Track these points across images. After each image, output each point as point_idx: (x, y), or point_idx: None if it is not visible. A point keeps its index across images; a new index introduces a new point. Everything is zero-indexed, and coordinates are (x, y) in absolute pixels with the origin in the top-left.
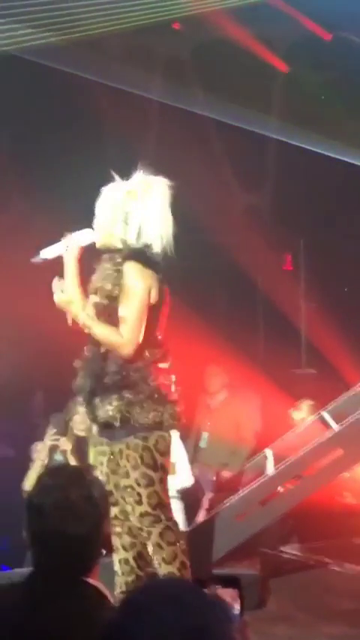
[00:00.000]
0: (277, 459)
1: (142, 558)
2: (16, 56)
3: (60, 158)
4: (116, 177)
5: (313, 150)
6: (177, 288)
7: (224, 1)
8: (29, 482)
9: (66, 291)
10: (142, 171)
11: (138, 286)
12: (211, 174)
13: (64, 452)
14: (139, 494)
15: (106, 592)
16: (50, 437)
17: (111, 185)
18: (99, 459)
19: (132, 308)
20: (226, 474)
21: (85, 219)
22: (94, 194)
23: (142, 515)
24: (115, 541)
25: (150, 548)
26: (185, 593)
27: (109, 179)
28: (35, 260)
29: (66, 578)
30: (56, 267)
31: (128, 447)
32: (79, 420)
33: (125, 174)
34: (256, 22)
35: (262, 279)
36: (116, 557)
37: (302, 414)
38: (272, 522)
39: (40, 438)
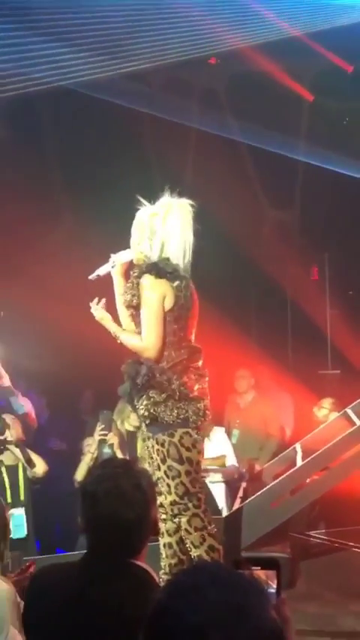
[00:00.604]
0: (306, 453)
1: (184, 543)
2: (70, 89)
3: (107, 181)
4: (144, 201)
5: (337, 171)
6: (214, 297)
7: (255, 38)
8: (80, 473)
9: (97, 309)
10: (167, 194)
11: (151, 296)
12: (245, 195)
13: (111, 445)
14: (168, 485)
15: (153, 573)
16: (99, 432)
17: (142, 208)
18: (147, 451)
19: (148, 315)
20: (257, 466)
21: (128, 237)
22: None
23: (171, 503)
24: (161, 526)
25: (182, 534)
26: (225, 574)
27: (149, 200)
28: (91, 277)
29: (117, 559)
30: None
31: (157, 442)
32: (135, 417)
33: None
34: (284, 56)
35: (292, 289)
36: (161, 541)
37: (325, 411)
38: (302, 509)
39: (90, 433)
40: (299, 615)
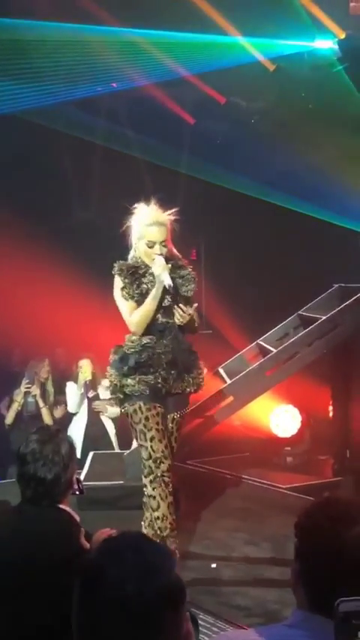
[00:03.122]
0: None
1: None
2: None
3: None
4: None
5: (211, 181)
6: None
7: (150, 73)
8: (10, 417)
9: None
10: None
11: None
12: (140, 196)
13: (34, 396)
14: (173, 447)
15: (74, 514)
16: (24, 385)
17: (159, 211)
18: (156, 418)
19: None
20: None
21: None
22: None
23: (170, 466)
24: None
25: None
26: (143, 541)
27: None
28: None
29: (43, 504)
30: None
31: (180, 415)
32: (45, 370)
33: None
34: (172, 87)
35: None
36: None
37: None
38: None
39: (18, 385)
40: (180, 532)
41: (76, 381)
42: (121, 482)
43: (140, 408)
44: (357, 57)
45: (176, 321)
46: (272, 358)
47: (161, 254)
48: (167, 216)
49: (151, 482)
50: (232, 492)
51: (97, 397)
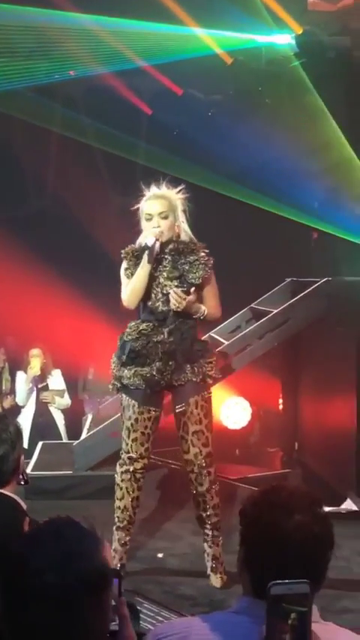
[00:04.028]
0: None
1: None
2: None
3: None
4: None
5: (167, 172)
6: (70, 269)
7: (111, 66)
8: None
9: (192, 296)
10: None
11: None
12: (97, 188)
13: None
14: (207, 437)
15: (19, 499)
16: None
17: (165, 189)
18: (146, 422)
19: (217, 290)
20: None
21: None
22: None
23: (207, 455)
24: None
25: (203, 477)
26: (67, 527)
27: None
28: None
29: None
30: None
31: (202, 398)
32: (1, 359)
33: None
34: (130, 77)
35: None
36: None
37: None
38: None
39: None
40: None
41: (26, 370)
42: (70, 472)
43: (134, 407)
44: (314, 52)
45: (172, 306)
46: (223, 351)
47: (158, 226)
48: (170, 192)
49: (122, 473)
50: (181, 483)
51: (46, 388)
